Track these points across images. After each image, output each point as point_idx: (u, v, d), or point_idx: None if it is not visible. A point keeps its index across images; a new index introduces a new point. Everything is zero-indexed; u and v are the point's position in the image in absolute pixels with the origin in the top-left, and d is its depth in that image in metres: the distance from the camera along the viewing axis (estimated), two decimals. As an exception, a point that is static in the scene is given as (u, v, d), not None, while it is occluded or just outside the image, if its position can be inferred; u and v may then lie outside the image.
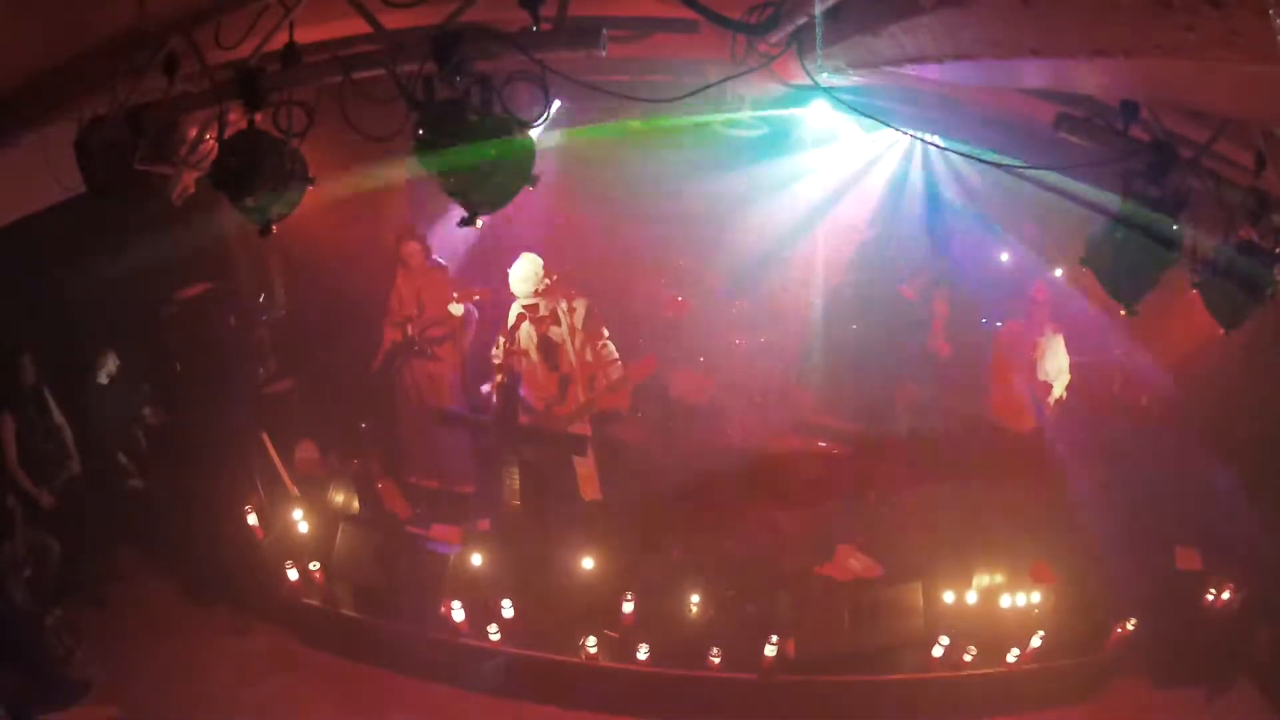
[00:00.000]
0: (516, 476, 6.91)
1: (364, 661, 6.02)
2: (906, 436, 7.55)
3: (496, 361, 6.69)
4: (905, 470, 7.24)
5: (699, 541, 6.85)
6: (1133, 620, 5.94)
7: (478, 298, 7.33)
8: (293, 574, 6.15)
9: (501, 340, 6.67)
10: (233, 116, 3.60)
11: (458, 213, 3.23)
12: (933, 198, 8.06)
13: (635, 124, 7.53)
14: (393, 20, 3.18)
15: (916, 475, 7.15)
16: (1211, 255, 3.68)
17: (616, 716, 5.73)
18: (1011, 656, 5.84)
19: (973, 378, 7.55)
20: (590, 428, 6.73)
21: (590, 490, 6.71)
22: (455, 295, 7.15)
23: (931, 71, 2.92)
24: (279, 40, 3.40)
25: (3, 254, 5.41)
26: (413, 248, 7.26)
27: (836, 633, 5.78)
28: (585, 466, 6.70)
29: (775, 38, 3.38)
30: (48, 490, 6.09)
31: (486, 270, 7.60)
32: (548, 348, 6.55)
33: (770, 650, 5.65)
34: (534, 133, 3.25)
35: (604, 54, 3.05)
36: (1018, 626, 5.96)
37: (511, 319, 6.58)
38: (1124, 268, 3.56)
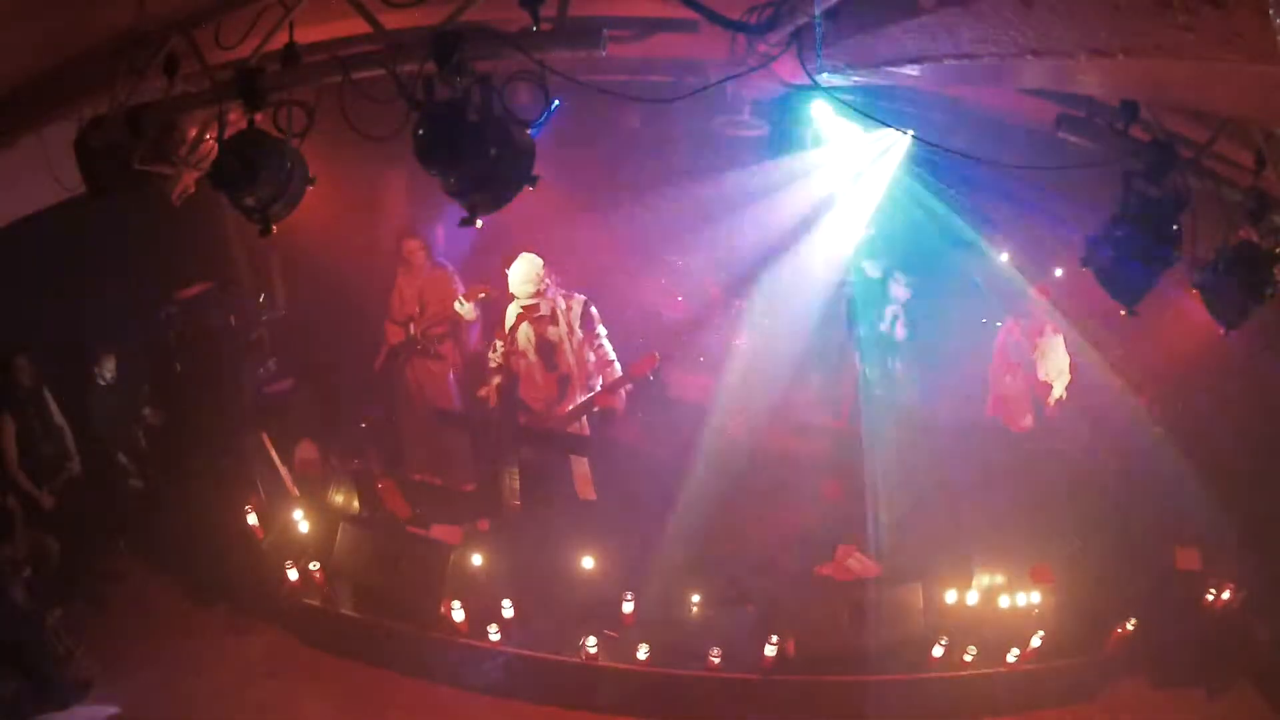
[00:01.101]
0: (516, 476, 6.91)
1: (364, 661, 6.01)
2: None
3: (494, 364, 6.69)
4: (905, 470, 7.23)
5: (699, 541, 6.84)
6: (1133, 620, 5.94)
7: (483, 295, 7.32)
8: (293, 574, 6.15)
9: (499, 343, 6.66)
10: (233, 116, 3.61)
11: (458, 212, 3.24)
12: (932, 198, 8.05)
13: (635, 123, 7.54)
14: (393, 20, 3.18)
15: (916, 475, 7.14)
16: (1211, 255, 3.68)
17: (616, 716, 5.73)
18: (1011, 656, 5.84)
19: (973, 377, 7.55)
20: (589, 428, 6.73)
21: (586, 491, 6.71)
22: (461, 295, 7.13)
23: (931, 71, 2.92)
24: (279, 40, 3.40)
25: (3, 254, 5.42)
26: (413, 246, 7.26)
27: (836, 633, 5.78)
28: (581, 467, 6.70)
29: (775, 38, 3.38)
30: (48, 491, 6.09)
31: (487, 270, 7.59)
32: (546, 348, 6.54)
33: (770, 650, 5.65)
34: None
35: (604, 54, 3.05)
36: (1018, 626, 5.96)
37: (510, 319, 6.57)
38: (1124, 268, 3.57)
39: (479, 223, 3.23)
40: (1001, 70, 2.56)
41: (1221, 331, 3.79)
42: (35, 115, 3.95)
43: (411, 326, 7.28)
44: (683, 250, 8.81)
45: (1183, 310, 4.53)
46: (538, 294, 6.32)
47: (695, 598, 6.16)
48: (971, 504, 6.81)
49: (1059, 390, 7.06)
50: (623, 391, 6.67)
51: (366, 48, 3.44)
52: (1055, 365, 7.07)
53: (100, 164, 3.84)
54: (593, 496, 6.67)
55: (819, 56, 3.29)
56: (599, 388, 6.60)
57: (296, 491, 6.83)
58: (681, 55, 4.90)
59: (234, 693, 5.74)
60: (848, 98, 4.08)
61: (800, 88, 5.02)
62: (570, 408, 6.61)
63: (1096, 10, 1.81)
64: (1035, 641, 5.82)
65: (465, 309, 7.12)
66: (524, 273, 6.29)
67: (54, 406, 6.29)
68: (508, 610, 5.93)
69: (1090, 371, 7.42)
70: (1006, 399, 7.25)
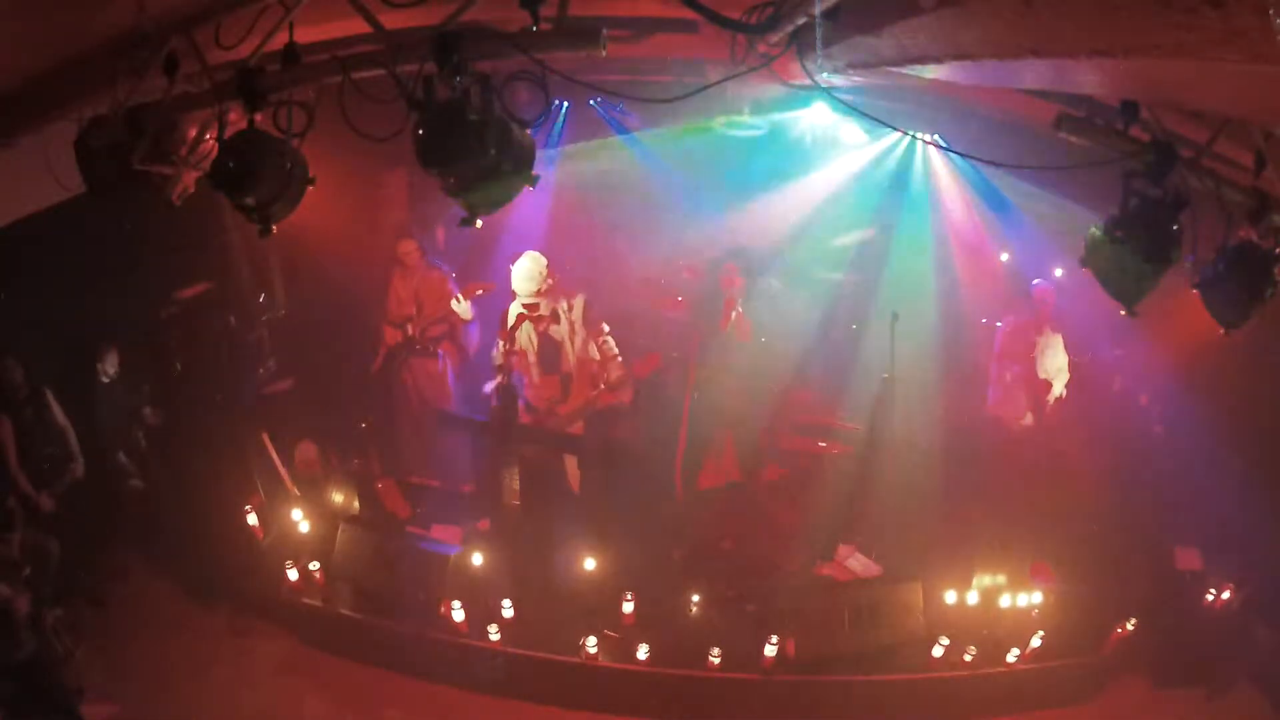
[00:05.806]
0: (516, 476, 6.91)
1: (364, 661, 6.01)
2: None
3: (497, 363, 6.69)
4: (905, 470, 7.23)
5: (699, 541, 6.84)
6: (1133, 620, 5.94)
7: (480, 292, 7.30)
8: (293, 574, 6.15)
9: (501, 342, 6.66)
10: (233, 116, 3.61)
11: (458, 212, 3.24)
12: (934, 197, 8.05)
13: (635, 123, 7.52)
14: (393, 20, 3.18)
15: (916, 475, 7.14)
16: (1211, 255, 3.68)
17: (616, 716, 5.73)
18: (1011, 656, 5.84)
19: (973, 375, 7.55)
20: (584, 427, 6.73)
21: (576, 486, 6.76)
22: (457, 294, 7.12)
23: (931, 71, 2.92)
24: (279, 40, 3.40)
25: (3, 254, 5.42)
26: (409, 247, 7.26)
27: (836, 633, 5.78)
28: (572, 465, 6.74)
29: (775, 38, 3.38)
30: (48, 494, 6.07)
31: (486, 270, 7.58)
32: (548, 347, 6.54)
33: (770, 650, 5.65)
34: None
35: (604, 54, 3.05)
36: (1018, 626, 5.96)
37: (511, 319, 6.57)
38: (1124, 268, 3.56)
39: (479, 223, 3.24)
40: (1001, 70, 2.56)
41: (1221, 331, 3.80)
42: (35, 115, 3.95)
43: (409, 327, 7.28)
44: (683, 250, 8.80)
45: (1183, 310, 4.53)
46: (540, 293, 6.31)
47: (695, 598, 6.16)
48: (971, 503, 6.81)
49: (1059, 389, 7.06)
50: (627, 389, 6.66)
51: (366, 48, 3.44)
52: (1055, 364, 7.07)
53: (100, 164, 3.83)
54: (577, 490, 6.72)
55: (819, 56, 3.29)
56: (603, 386, 6.60)
57: (296, 491, 6.83)
58: (681, 55, 4.91)
59: (234, 693, 5.74)
60: (848, 98, 4.08)
61: (800, 88, 5.02)
62: (572, 407, 6.61)
63: (1096, 10, 1.81)
64: (1035, 641, 5.82)
65: (462, 307, 7.11)
66: (527, 270, 6.28)
67: (56, 407, 6.28)
68: (508, 610, 5.93)
69: (1090, 370, 7.43)
70: (1006, 397, 7.24)
